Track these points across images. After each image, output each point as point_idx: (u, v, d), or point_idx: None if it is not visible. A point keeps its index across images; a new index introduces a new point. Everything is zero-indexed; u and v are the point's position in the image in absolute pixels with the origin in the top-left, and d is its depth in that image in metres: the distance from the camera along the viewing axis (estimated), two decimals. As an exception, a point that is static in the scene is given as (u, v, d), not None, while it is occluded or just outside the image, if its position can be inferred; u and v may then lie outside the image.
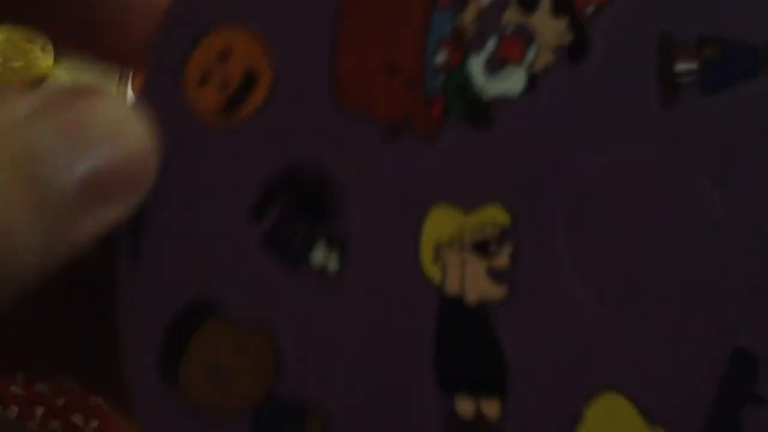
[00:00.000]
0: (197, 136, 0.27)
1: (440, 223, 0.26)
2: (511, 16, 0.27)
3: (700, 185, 0.25)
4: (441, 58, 0.27)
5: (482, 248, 0.26)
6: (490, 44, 0.27)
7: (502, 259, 0.26)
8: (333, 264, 0.26)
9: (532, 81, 0.26)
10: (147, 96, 0.27)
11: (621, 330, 0.25)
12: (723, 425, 0.24)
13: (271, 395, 0.26)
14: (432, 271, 0.26)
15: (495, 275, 0.26)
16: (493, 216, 0.26)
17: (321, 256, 0.27)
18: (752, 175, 0.24)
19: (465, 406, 0.26)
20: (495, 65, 0.27)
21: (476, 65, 0.27)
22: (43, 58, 0.62)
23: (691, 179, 0.25)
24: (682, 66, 0.25)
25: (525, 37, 0.27)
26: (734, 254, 0.24)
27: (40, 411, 0.43)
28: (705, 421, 0.24)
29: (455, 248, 0.26)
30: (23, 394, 0.41)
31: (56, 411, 0.43)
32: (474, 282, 0.26)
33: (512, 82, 0.26)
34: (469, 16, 0.27)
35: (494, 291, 0.26)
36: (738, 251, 0.24)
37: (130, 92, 0.27)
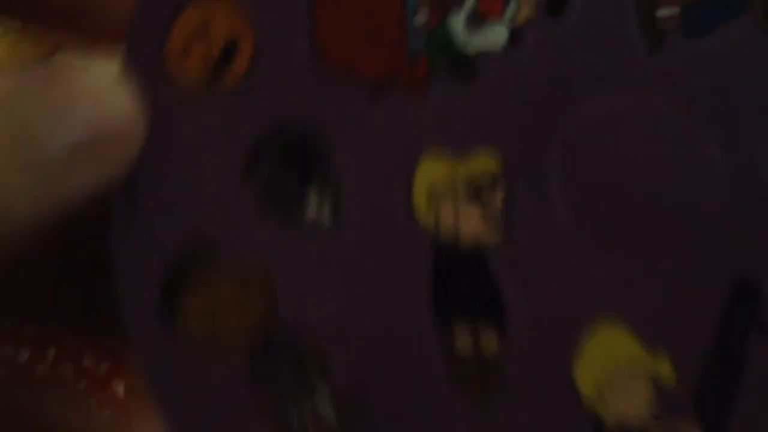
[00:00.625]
0: (184, 104, 0.27)
1: (432, 172, 0.27)
2: (489, -27, 0.28)
3: (694, 127, 0.26)
4: (421, 18, 0.28)
5: (475, 194, 0.26)
6: (470, 1, 0.27)
7: (495, 204, 0.26)
8: (326, 216, 0.27)
9: (514, 35, 0.27)
10: (129, 69, 0.27)
11: (617, 265, 0.26)
12: (726, 350, 0.25)
13: (269, 337, 0.26)
14: (426, 218, 0.26)
15: (489, 220, 0.26)
16: (484, 163, 0.26)
17: (314, 208, 0.27)
18: (745, 115, 0.25)
19: (463, 340, 0.26)
20: (476, 22, 0.27)
21: (457, 23, 0.28)
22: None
23: (684, 122, 0.26)
24: (663, 11, 0.26)
25: (504, -7, 0.27)
26: (734, 190, 0.25)
27: (51, 353, 0.42)
28: (708, 345, 0.25)
29: (448, 195, 0.27)
30: (37, 334, 0.40)
31: (69, 352, 0.41)
32: (468, 227, 0.26)
33: (494, 36, 0.27)
34: (446, -25, 0.28)
35: (489, 235, 0.26)
36: (737, 187, 0.25)
37: (115, 67, 0.27)
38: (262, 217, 0.27)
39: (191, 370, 0.26)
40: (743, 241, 0.25)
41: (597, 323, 0.25)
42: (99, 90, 0.25)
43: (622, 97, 0.26)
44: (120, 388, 0.47)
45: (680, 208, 0.25)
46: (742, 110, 0.25)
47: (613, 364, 0.25)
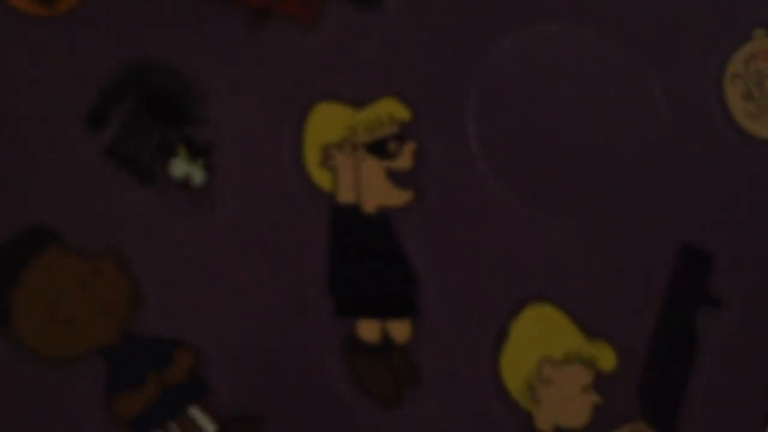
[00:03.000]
0: (14, 29, 0.21)
1: (326, 122, 0.22)
2: None
3: (637, 66, 0.22)
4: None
5: (379, 148, 0.22)
6: None
7: (404, 160, 0.22)
8: (198, 175, 0.22)
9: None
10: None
11: (549, 232, 0.21)
12: (673, 334, 0.21)
13: (127, 334, 0.21)
14: (320, 177, 0.22)
15: (397, 178, 0.22)
16: (390, 110, 0.22)
17: (182, 167, 0.22)
18: (684, 54, 0.22)
19: (369, 330, 0.21)
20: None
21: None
22: None
23: (626, 58, 0.22)
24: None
25: None
26: (675, 140, 0.22)
27: None
28: (654, 331, 0.21)
29: (346, 150, 0.22)
30: None
31: None
32: (372, 187, 0.22)
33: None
34: None
35: (397, 196, 0.22)
36: (678, 137, 0.22)
37: None
38: (113, 179, 0.22)
39: (23, 386, 0.21)
40: (689, 195, 0.21)
41: (527, 305, 0.21)
42: None
43: (546, 28, 0.22)
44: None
45: (617, 157, 0.21)
46: (684, 50, 0.22)
47: (546, 353, 0.21)
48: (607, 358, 0.20)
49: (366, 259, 0.21)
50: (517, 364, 0.20)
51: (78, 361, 0.21)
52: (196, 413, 0.21)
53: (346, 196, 0.21)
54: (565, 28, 0.21)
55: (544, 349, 0.21)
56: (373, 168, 0.22)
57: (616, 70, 0.20)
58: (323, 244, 0.21)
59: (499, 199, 0.21)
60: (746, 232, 0.21)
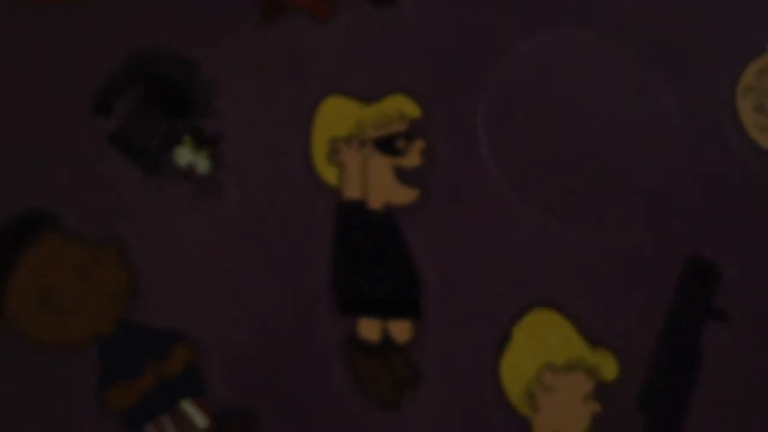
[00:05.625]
0: (21, 15, 0.21)
1: (335, 116, 0.22)
2: None
3: (651, 75, 0.22)
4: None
5: (387, 145, 0.22)
6: None
7: (412, 158, 0.21)
8: (203, 164, 0.21)
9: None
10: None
11: (556, 238, 0.21)
12: (678, 347, 0.21)
13: (123, 324, 0.21)
14: (326, 172, 0.22)
15: (404, 176, 0.22)
16: (400, 107, 0.22)
17: (187, 155, 0.21)
18: (697, 66, 0.22)
19: (369, 329, 0.21)
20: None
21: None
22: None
23: (640, 67, 0.22)
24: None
25: None
26: (686, 152, 0.21)
27: None
28: (658, 343, 0.21)
29: (355, 145, 0.22)
30: None
31: None
32: (378, 184, 0.21)
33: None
34: None
35: (403, 194, 0.21)
36: (690, 149, 0.21)
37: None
38: (117, 166, 0.21)
39: (14, 374, 0.21)
40: (699, 207, 0.21)
41: (530, 310, 0.21)
42: None
43: (563, 34, 0.22)
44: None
45: (627, 166, 0.21)
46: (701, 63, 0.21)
47: (547, 360, 0.21)
48: (609, 367, 0.20)
49: (370, 257, 0.21)
50: (518, 369, 0.20)
51: (72, 350, 0.20)
52: (190, 408, 0.20)
53: (352, 192, 0.21)
54: (581, 35, 0.21)
55: (546, 355, 0.20)
56: (380, 164, 0.21)
57: (630, 80, 0.20)
58: (327, 239, 0.21)
59: (507, 203, 0.20)
60: (755, 246, 0.21)
